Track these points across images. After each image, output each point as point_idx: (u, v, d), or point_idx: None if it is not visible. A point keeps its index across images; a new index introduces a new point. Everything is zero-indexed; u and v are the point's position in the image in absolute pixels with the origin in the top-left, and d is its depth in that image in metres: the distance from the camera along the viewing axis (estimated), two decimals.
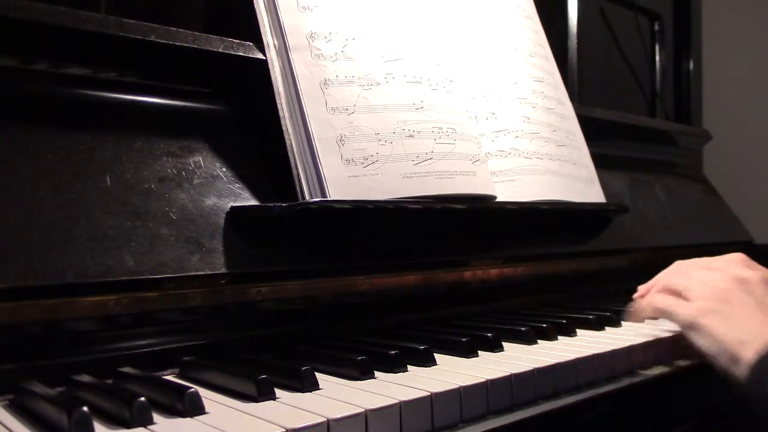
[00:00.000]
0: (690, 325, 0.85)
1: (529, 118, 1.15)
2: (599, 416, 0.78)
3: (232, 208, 0.83)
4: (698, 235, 1.62)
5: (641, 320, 0.97)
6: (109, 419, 0.58)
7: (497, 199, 1.03)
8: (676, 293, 0.90)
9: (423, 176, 0.92)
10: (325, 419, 0.56)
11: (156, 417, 0.57)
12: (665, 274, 0.99)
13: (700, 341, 0.83)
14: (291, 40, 0.90)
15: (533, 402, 0.72)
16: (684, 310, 0.87)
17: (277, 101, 0.88)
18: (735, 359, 0.78)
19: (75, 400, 0.62)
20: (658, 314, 0.92)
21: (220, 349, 0.80)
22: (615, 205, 1.28)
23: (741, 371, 0.77)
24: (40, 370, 0.68)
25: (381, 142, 0.90)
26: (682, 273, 0.95)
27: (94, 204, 0.73)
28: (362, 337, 0.90)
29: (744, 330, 0.79)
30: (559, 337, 0.92)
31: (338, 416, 0.57)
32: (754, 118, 2.25)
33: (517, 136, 1.12)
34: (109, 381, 0.70)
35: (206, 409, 0.59)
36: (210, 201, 0.82)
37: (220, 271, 0.78)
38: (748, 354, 0.76)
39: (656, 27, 1.94)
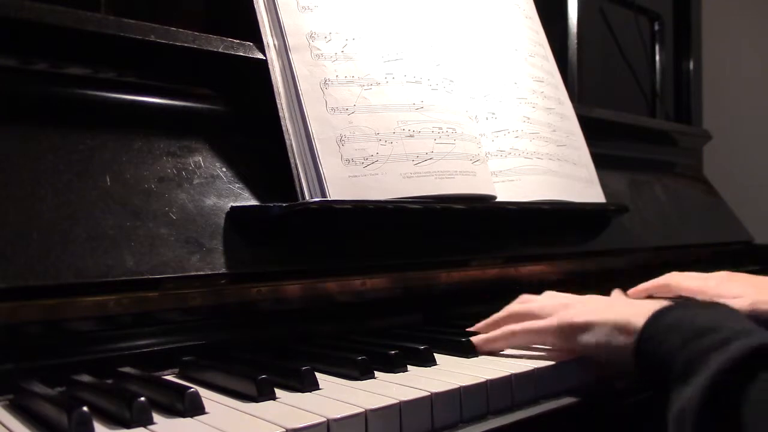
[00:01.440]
0: (566, 331, 0.79)
1: (529, 118, 1.15)
2: (601, 417, 0.78)
3: (232, 208, 0.83)
4: (698, 235, 1.62)
5: (497, 351, 0.83)
6: (109, 419, 0.58)
7: (497, 199, 1.03)
8: (526, 317, 0.84)
9: (423, 176, 0.92)
10: (325, 419, 0.56)
11: (156, 417, 0.57)
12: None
13: (586, 337, 0.77)
14: (291, 40, 0.90)
15: (534, 402, 0.72)
16: (545, 322, 0.81)
17: (277, 101, 0.88)
18: (626, 328, 0.74)
19: (75, 400, 0.62)
20: (518, 339, 0.82)
21: (220, 349, 0.80)
22: (615, 205, 1.28)
23: (630, 337, 0.73)
24: (40, 370, 0.68)
25: (381, 142, 0.90)
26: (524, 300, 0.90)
27: (94, 204, 0.73)
28: (362, 337, 0.90)
29: (622, 310, 0.77)
30: None
31: (338, 416, 0.57)
32: (754, 118, 2.25)
33: (517, 136, 1.12)
34: (109, 381, 0.70)
35: (206, 409, 0.59)
36: (210, 201, 0.82)
37: (220, 271, 0.78)
38: (639, 320, 0.73)
39: (656, 27, 1.94)
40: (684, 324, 0.69)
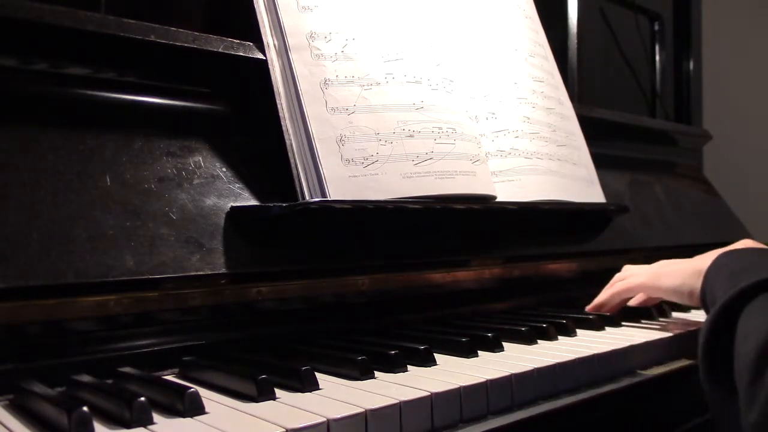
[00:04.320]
0: (653, 278, 1.03)
1: (529, 118, 1.15)
2: (599, 416, 0.78)
3: (232, 208, 0.83)
4: (698, 235, 1.62)
5: (608, 311, 1.08)
6: (109, 419, 0.58)
7: (497, 199, 1.03)
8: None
9: (423, 176, 0.92)
10: (325, 419, 0.56)
11: (156, 417, 0.57)
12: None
13: (666, 282, 1.00)
14: (291, 40, 0.90)
15: (533, 402, 0.72)
16: (637, 277, 1.06)
17: (277, 101, 0.88)
18: (698, 273, 0.91)
19: (75, 400, 0.62)
20: (621, 296, 1.08)
21: (220, 349, 0.80)
22: (615, 205, 1.28)
23: (700, 282, 0.90)
24: (40, 370, 0.68)
25: (381, 142, 0.90)
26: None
27: (94, 204, 0.73)
28: (362, 337, 0.90)
29: (692, 264, 0.97)
30: (559, 337, 0.92)
31: (338, 416, 0.57)
32: (754, 118, 2.25)
33: (517, 136, 1.12)
34: (109, 381, 0.70)
35: (206, 409, 0.59)
36: (210, 201, 0.82)
37: (220, 271, 0.78)
38: (707, 263, 0.90)
39: (656, 27, 1.94)
40: (729, 266, 0.83)
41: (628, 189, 1.51)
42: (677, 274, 0.98)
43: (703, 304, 0.90)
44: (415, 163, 0.92)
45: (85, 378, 0.69)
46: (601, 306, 1.09)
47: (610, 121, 1.52)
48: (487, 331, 0.87)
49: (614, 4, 1.78)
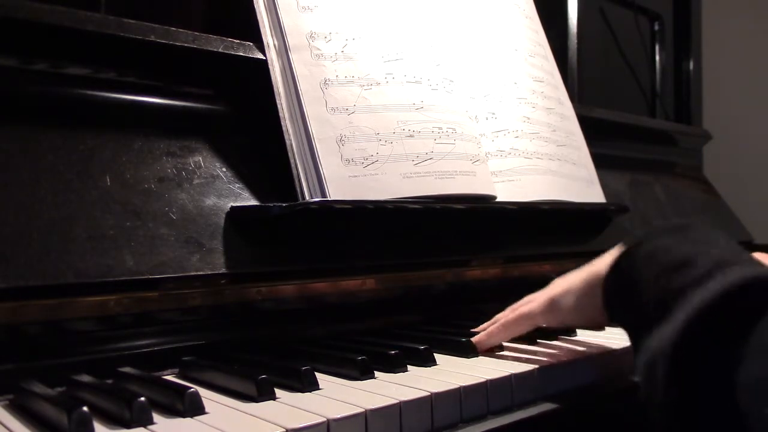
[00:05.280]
0: (549, 303, 0.80)
1: (529, 118, 1.15)
2: (600, 416, 0.78)
3: (232, 208, 0.83)
4: None
5: (496, 344, 0.84)
6: (109, 419, 0.58)
7: (497, 199, 1.03)
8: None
9: (423, 176, 0.92)
10: (325, 419, 0.56)
11: (156, 417, 0.57)
12: None
13: (565, 302, 0.78)
14: (291, 40, 0.90)
15: (533, 402, 0.72)
16: (531, 304, 0.82)
17: (277, 101, 0.88)
18: (597, 277, 0.74)
19: (75, 400, 0.62)
20: (513, 328, 0.83)
21: (220, 349, 0.80)
22: (615, 205, 1.28)
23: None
24: (40, 370, 0.68)
25: (381, 142, 0.90)
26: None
27: (94, 204, 0.73)
28: (362, 337, 0.90)
29: (586, 270, 0.78)
30: (560, 337, 0.92)
31: (338, 416, 0.57)
32: (754, 118, 2.25)
33: (517, 136, 1.12)
34: (109, 381, 0.70)
35: (206, 409, 0.59)
36: (210, 201, 0.82)
37: (220, 271, 0.78)
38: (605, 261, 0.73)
39: (656, 27, 1.94)
40: (657, 258, 0.62)
41: (628, 189, 1.51)
42: (572, 290, 0.77)
43: (613, 308, 0.69)
44: (415, 163, 0.92)
45: (85, 378, 0.69)
46: (486, 339, 0.82)
47: (610, 121, 1.52)
48: None
49: (614, 4, 1.78)
